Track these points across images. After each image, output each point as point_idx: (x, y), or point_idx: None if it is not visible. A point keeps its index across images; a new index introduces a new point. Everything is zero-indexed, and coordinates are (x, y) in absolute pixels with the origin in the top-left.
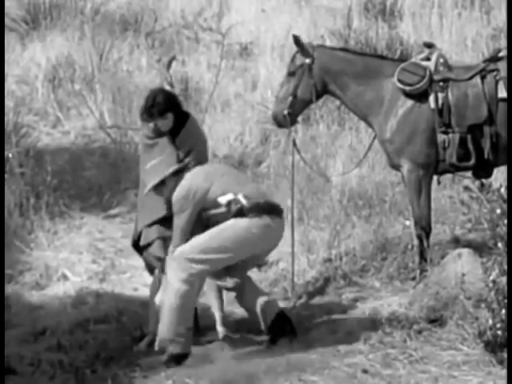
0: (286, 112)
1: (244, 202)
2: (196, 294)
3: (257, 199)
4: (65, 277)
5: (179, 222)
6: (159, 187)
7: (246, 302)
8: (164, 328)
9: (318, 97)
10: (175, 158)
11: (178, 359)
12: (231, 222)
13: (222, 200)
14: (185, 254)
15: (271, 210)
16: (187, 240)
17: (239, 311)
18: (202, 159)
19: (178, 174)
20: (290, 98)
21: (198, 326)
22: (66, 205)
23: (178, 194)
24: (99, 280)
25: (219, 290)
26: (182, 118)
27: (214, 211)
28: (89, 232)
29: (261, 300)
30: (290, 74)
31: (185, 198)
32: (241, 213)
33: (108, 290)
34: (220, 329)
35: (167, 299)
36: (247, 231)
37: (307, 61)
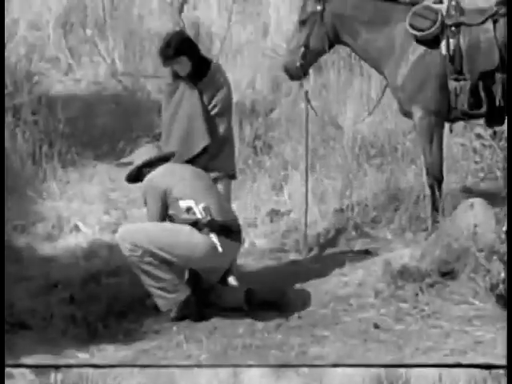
0: (298, 64)
1: (200, 215)
2: None
3: (215, 216)
4: (77, 228)
5: (147, 213)
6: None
7: None
8: None
9: (331, 46)
10: (197, 101)
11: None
12: (188, 229)
13: (183, 204)
14: (130, 237)
15: (225, 231)
16: None
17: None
18: (225, 104)
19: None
20: (302, 49)
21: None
22: (79, 153)
23: (142, 185)
24: (111, 231)
25: None
26: (201, 64)
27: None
28: (101, 181)
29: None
30: (302, 22)
31: (146, 191)
32: (195, 224)
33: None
34: (233, 282)
35: None
36: (196, 246)
37: (318, 8)
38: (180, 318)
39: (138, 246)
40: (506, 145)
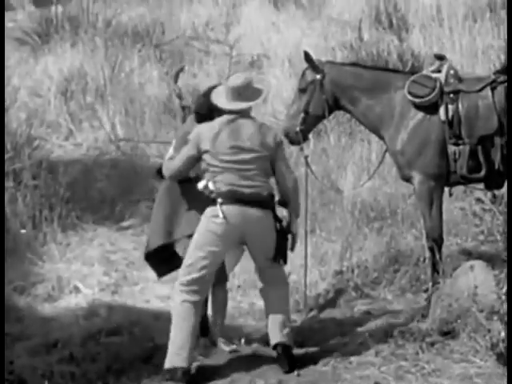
0: (298, 129)
1: (213, 188)
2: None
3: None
4: (77, 289)
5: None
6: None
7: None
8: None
9: (330, 112)
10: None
11: (178, 374)
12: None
13: (200, 185)
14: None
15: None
16: None
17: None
18: None
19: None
20: (302, 115)
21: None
22: (79, 217)
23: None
24: (111, 292)
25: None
26: None
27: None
28: (101, 244)
29: (274, 318)
30: (301, 90)
31: (191, 134)
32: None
33: (120, 302)
34: (221, 341)
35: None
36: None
37: (318, 77)
38: None
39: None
40: (505, 209)
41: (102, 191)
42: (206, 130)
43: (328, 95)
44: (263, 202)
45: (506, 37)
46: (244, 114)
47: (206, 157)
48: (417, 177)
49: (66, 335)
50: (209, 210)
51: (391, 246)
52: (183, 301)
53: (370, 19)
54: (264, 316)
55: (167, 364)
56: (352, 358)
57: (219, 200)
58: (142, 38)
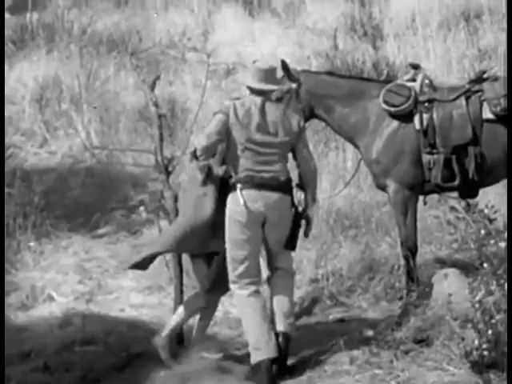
0: None
1: (233, 173)
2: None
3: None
4: (51, 298)
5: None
6: None
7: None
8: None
9: (306, 121)
10: None
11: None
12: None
13: (220, 171)
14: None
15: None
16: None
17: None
18: None
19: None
20: None
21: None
22: (53, 225)
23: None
24: (86, 301)
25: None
26: None
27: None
28: (75, 252)
29: (280, 306)
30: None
31: (223, 112)
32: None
33: (94, 310)
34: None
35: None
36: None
37: (294, 86)
38: None
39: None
40: (478, 217)
41: (76, 199)
42: (238, 103)
43: (304, 104)
44: (282, 186)
45: (506, 37)
46: (267, 97)
47: (233, 131)
48: (392, 185)
49: (40, 344)
50: (230, 197)
51: (366, 254)
52: (240, 298)
53: (345, 28)
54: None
55: (252, 362)
56: (327, 367)
57: (239, 185)
58: (117, 46)
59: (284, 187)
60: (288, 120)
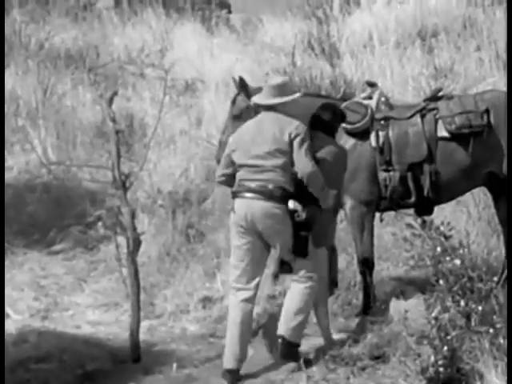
0: None
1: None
2: None
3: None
4: (6, 315)
5: None
6: None
7: None
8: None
9: None
10: None
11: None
12: None
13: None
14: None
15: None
16: None
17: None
18: None
19: None
20: None
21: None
22: (9, 241)
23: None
24: (41, 318)
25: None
26: None
27: None
28: (31, 268)
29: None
30: (236, 116)
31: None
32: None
33: (50, 327)
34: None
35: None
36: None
37: (251, 103)
38: None
39: None
40: (434, 234)
41: (32, 215)
42: (241, 128)
43: None
44: (270, 194)
45: (506, 37)
46: (278, 109)
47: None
48: (348, 202)
49: None
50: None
51: None
52: (230, 302)
53: (303, 45)
54: (196, 340)
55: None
56: None
57: (232, 194)
58: (74, 61)
59: (272, 195)
60: (281, 130)
